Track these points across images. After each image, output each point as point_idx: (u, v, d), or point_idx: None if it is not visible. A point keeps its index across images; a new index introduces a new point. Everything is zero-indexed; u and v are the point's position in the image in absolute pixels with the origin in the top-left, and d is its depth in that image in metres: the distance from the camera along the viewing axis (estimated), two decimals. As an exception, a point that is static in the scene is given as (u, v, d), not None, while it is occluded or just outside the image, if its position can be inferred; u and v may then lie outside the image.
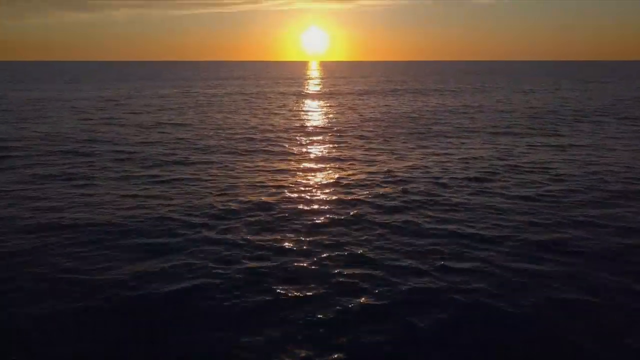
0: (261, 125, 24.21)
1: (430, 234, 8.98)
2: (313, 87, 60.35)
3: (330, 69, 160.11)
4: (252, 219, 9.74)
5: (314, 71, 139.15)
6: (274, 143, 18.90)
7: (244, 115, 28.23)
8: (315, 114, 29.49)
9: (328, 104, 35.31)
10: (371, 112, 29.79)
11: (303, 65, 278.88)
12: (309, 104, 35.60)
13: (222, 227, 9.28)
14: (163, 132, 21.54)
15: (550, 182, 12.67)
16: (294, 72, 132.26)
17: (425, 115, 28.43)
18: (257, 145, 18.35)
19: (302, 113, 29.76)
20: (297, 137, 20.30)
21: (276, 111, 30.75)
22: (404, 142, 19.06)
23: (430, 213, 10.16)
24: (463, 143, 18.75)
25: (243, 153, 16.90)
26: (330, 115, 28.28)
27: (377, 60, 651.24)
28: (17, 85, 58.95)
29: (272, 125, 24.16)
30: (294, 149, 17.73)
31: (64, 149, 17.28)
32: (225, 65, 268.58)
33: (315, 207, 10.60)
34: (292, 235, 8.91)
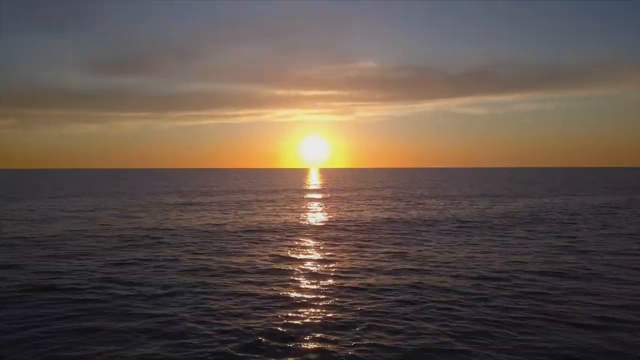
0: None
1: None
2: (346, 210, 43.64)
3: (339, 177, 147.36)
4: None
5: (322, 180, 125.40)
6: None
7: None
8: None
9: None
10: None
11: (304, 172, 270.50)
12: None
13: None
14: None
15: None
16: (296, 181, 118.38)
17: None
18: None
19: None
20: None
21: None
22: None
23: None
24: None
25: None
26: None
27: (376, 168, 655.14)
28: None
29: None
30: None
31: None
32: (225, 173, 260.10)
33: None
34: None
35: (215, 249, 20.20)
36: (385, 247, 20.55)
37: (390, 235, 24.20)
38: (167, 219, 32.00)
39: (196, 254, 18.94)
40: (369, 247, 20.53)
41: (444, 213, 35.77)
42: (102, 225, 28.28)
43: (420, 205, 42.87)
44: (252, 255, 18.57)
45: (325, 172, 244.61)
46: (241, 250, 19.95)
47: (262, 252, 19.46)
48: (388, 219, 32.07)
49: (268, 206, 42.79)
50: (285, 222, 30.08)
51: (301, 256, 18.69)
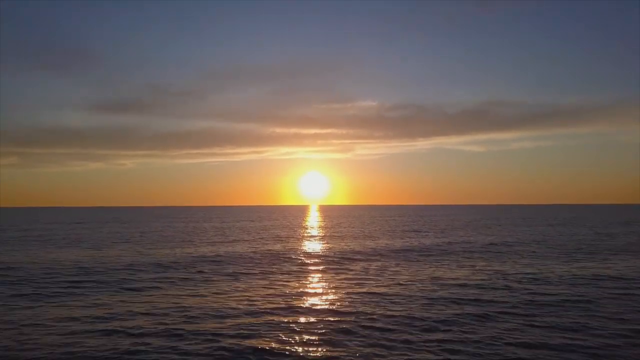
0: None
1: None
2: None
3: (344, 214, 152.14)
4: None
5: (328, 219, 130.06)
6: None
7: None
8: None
9: None
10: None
11: (305, 209, 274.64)
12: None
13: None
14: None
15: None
16: (295, 219, 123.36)
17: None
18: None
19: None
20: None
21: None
22: None
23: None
24: None
25: None
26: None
27: (375, 205, 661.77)
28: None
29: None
30: None
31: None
32: (225, 210, 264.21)
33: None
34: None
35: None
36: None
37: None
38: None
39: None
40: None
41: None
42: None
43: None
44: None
45: (324, 210, 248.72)
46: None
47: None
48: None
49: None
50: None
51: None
